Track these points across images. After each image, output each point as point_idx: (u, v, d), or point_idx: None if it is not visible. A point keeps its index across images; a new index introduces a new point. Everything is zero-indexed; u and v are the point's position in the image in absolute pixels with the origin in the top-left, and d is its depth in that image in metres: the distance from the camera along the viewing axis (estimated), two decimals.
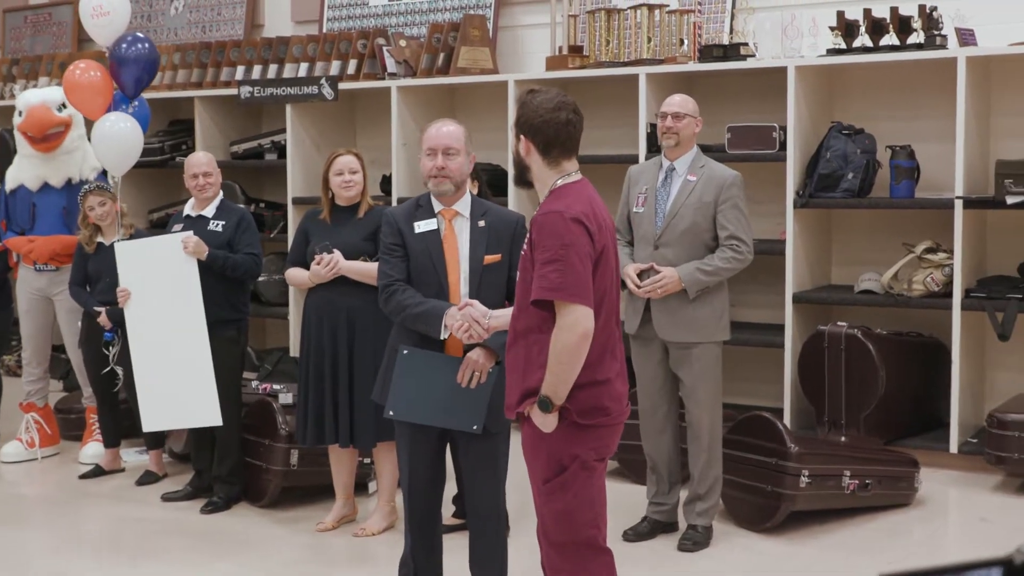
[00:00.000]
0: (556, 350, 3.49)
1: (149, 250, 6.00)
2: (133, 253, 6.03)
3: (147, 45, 6.70)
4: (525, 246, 3.64)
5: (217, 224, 5.99)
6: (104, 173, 6.92)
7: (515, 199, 7.40)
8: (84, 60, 6.89)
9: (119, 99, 6.74)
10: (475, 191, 5.42)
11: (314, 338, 5.46)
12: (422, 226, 4.33)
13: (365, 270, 5.38)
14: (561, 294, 3.46)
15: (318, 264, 5.38)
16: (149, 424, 6.04)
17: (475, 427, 4.20)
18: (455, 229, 4.32)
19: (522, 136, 3.65)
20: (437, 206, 4.35)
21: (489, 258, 4.27)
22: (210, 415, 5.83)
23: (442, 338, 4.21)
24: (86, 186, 6.56)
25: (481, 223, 4.31)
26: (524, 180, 3.75)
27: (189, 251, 5.80)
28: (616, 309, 3.69)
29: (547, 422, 3.56)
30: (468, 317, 4.07)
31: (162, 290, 5.89)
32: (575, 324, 3.46)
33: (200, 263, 5.82)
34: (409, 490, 4.39)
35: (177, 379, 5.85)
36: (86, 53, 9.56)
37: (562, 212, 3.51)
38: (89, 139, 6.86)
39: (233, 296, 6.01)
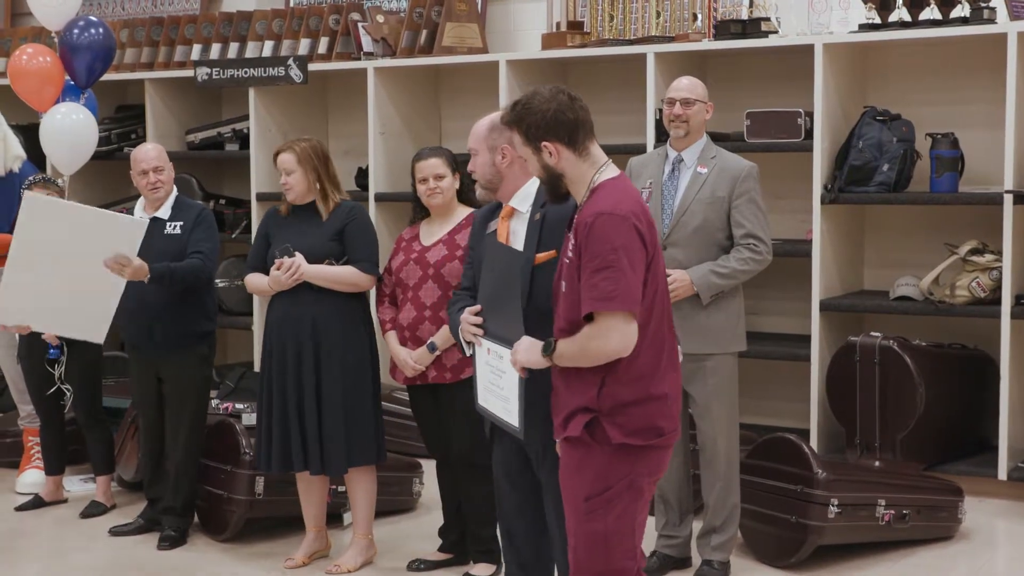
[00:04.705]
0: (588, 348, 3.66)
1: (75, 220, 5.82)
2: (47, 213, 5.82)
3: (102, 31, 6.79)
4: (571, 253, 3.74)
5: (174, 226, 5.97)
6: (41, 165, 6.98)
7: None
8: (32, 45, 6.98)
9: (69, 89, 6.83)
10: (457, 185, 5.52)
11: (276, 352, 5.54)
12: (492, 227, 4.37)
13: (331, 275, 5.46)
14: (610, 304, 3.60)
15: (278, 269, 5.47)
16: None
17: (516, 427, 4.08)
18: (511, 229, 4.29)
19: (544, 143, 3.76)
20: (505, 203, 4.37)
21: (540, 256, 4.17)
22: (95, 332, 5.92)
23: (468, 355, 4.28)
24: (30, 178, 6.62)
25: (537, 216, 4.25)
26: (559, 194, 3.87)
27: (127, 276, 5.73)
28: (669, 313, 3.84)
29: (532, 360, 3.77)
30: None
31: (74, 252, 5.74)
32: (608, 334, 3.62)
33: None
34: (498, 516, 4.47)
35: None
36: (21, 30, 9.64)
37: (612, 212, 3.64)
38: (19, 130, 6.90)
39: (200, 303, 6.00)
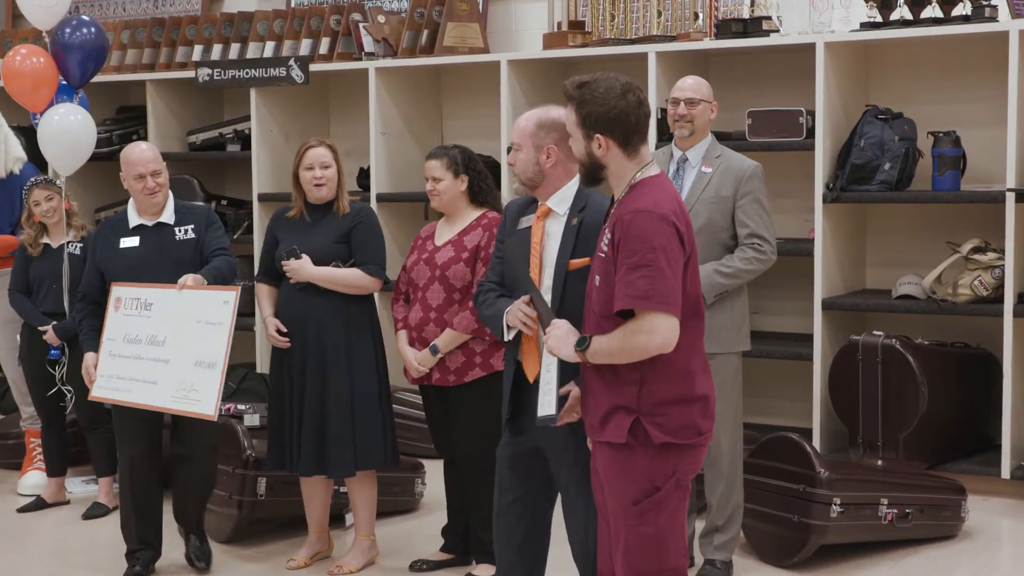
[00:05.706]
0: (627, 344, 3.64)
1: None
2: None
3: (94, 30, 6.78)
4: (605, 248, 3.72)
5: (184, 231, 5.61)
6: (42, 167, 6.96)
7: (508, 196, 7.47)
8: (25, 46, 6.97)
9: (62, 89, 6.82)
10: (463, 187, 5.48)
11: (282, 353, 5.52)
12: (524, 222, 4.30)
13: (336, 277, 5.44)
14: (648, 303, 3.60)
15: (286, 270, 5.45)
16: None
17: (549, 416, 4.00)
18: (546, 230, 4.22)
19: (597, 135, 3.75)
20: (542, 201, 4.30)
21: (575, 262, 4.11)
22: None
23: (506, 339, 4.22)
24: (31, 179, 6.60)
25: (574, 221, 4.18)
26: (596, 180, 3.87)
27: (189, 286, 5.41)
28: (703, 315, 3.86)
29: (564, 352, 3.76)
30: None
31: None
32: (654, 331, 3.61)
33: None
34: (496, 510, 4.41)
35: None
36: (23, 31, 9.63)
37: (651, 211, 3.65)
38: (19, 131, 6.87)
39: None
